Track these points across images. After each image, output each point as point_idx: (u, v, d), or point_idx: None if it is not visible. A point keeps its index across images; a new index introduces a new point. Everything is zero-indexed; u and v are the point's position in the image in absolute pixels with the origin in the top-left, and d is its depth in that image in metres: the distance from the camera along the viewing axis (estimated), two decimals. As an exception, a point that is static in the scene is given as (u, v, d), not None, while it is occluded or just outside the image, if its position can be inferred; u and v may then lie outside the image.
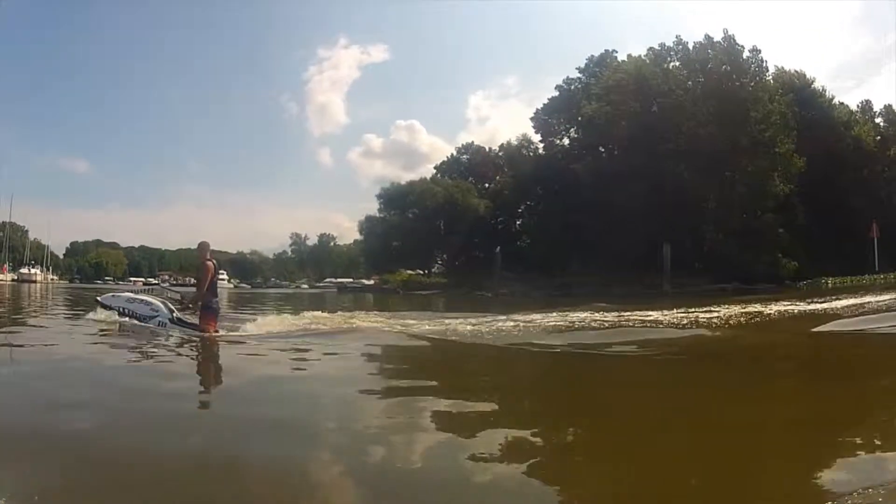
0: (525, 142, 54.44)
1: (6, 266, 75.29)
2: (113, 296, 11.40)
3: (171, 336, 9.55)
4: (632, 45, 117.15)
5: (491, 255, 54.73)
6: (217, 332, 9.73)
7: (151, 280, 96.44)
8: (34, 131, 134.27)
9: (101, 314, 10.89)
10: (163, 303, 10.49)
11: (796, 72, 47.64)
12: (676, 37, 45.04)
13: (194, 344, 8.92)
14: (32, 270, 75.32)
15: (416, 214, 59.79)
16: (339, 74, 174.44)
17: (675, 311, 14.52)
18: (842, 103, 48.65)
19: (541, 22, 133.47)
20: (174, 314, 10.28)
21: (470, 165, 65.24)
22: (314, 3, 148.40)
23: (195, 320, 10.25)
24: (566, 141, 54.62)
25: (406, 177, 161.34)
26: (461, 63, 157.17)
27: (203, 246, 10.10)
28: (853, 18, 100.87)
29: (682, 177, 38.11)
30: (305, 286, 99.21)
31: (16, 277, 70.09)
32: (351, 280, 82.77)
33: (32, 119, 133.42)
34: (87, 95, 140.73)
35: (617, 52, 52.66)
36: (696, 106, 41.52)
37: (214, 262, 10.02)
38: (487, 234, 57.21)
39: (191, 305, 10.24)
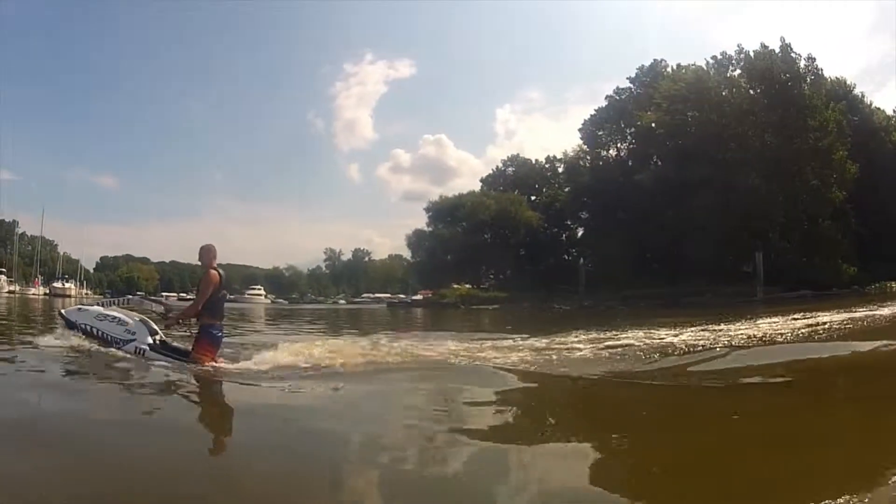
0: (581, 153, 55.14)
1: (38, 280, 77.57)
2: (79, 309, 8.75)
3: (150, 368, 7.19)
4: (657, 56, 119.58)
5: (541, 267, 55.86)
6: (215, 363, 7.44)
7: (170, 295, 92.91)
8: (63, 147, 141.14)
9: (55, 338, 8.58)
10: (142, 322, 8.06)
11: (837, 79, 48.04)
12: (738, 45, 45.92)
13: (181, 386, 6.41)
14: (67, 284, 76.35)
15: (467, 227, 60.69)
16: (365, 90, 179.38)
17: (806, 318, 13.59)
18: (879, 108, 48.99)
19: (563, 35, 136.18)
20: (157, 337, 7.99)
21: (515, 177, 66.42)
22: (340, 20, 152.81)
23: (177, 342, 8.26)
24: (614, 151, 55.53)
25: (435, 191, 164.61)
26: (486, 77, 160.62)
27: (207, 250, 7.73)
28: (870, 23, 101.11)
29: (752, 185, 38.99)
30: (343, 301, 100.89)
31: (48, 291, 71.32)
32: (402, 296, 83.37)
33: (61, 135, 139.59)
34: (116, 112, 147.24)
35: (666, 60, 53.64)
36: (759, 115, 42.56)
37: (222, 272, 7.74)
38: (539, 246, 58.08)
39: (181, 322, 7.81)
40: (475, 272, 63.22)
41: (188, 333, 7.89)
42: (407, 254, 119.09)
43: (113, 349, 7.83)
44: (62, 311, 9.00)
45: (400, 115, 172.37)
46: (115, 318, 8.07)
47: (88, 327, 8.16)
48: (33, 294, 67.50)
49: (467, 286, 57.49)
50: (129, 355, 7.67)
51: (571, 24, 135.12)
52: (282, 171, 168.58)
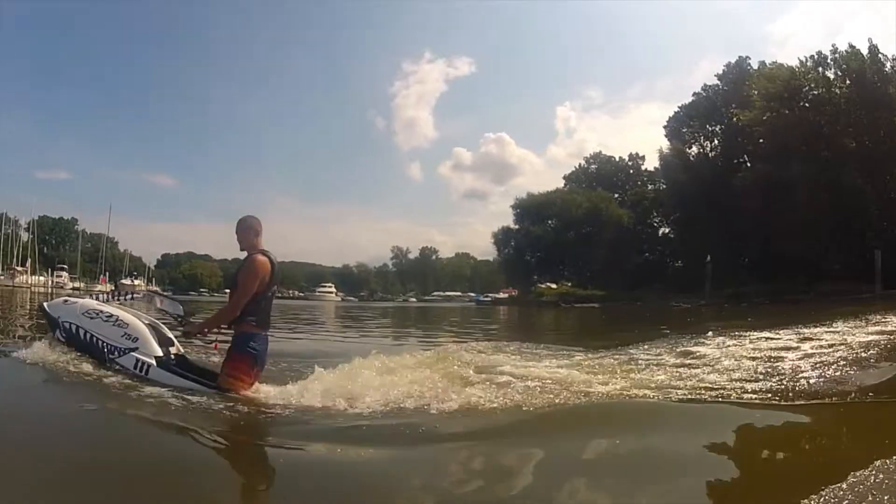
0: (677, 150, 56.23)
1: (104, 277, 77.33)
2: (65, 301, 6.46)
3: (147, 396, 4.91)
4: (713, 54, 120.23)
5: (629, 265, 57.81)
6: (251, 385, 5.26)
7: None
8: (121, 148, 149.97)
9: (39, 348, 6.06)
10: (151, 326, 5.88)
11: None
12: (832, 45, 47.00)
13: (190, 438, 4.06)
14: (136, 282, 77.33)
15: (556, 225, 62.86)
16: (425, 89, 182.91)
17: None
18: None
19: (621, 31, 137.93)
20: (170, 351, 5.85)
21: (598, 175, 68.31)
22: (396, 19, 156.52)
23: (202, 357, 6.46)
24: (696, 148, 56.88)
25: (497, 190, 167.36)
26: (545, 75, 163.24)
27: (247, 226, 5.41)
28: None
29: (854, 185, 39.98)
30: (413, 299, 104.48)
31: (115, 288, 73.36)
32: (490, 294, 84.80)
33: (120, 135, 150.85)
34: (176, 112, 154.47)
35: (749, 57, 54.90)
36: (854, 114, 43.41)
37: (273, 258, 5.38)
38: (628, 244, 59.83)
39: (205, 332, 5.61)
40: (560, 270, 65.05)
41: (210, 342, 5.79)
42: (473, 251, 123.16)
43: (103, 360, 5.63)
44: (45, 304, 6.57)
45: (460, 114, 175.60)
46: (110, 316, 5.77)
47: (73, 327, 5.88)
48: (99, 291, 70.40)
49: (567, 285, 59.04)
50: (123, 371, 5.45)
51: (628, 20, 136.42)
52: (343, 170, 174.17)
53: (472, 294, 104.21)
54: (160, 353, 5.61)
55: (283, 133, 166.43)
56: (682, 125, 57.70)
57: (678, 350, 8.17)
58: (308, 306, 41.04)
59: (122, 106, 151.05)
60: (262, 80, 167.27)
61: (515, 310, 46.48)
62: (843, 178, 39.45)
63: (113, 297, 6.69)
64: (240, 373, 5.19)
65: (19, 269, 68.54)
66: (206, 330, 5.60)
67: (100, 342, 5.69)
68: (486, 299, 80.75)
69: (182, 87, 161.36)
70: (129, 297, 6.94)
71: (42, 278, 68.81)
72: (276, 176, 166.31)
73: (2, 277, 64.00)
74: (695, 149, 57.20)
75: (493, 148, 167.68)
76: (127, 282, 73.57)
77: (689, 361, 7.16)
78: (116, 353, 5.59)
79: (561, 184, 70.45)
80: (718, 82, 56.12)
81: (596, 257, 59.49)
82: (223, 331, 5.61)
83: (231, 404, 4.82)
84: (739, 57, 55.56)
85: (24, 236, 78.24)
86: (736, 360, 7.08)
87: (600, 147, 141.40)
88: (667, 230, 63.83)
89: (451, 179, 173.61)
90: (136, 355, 5.51)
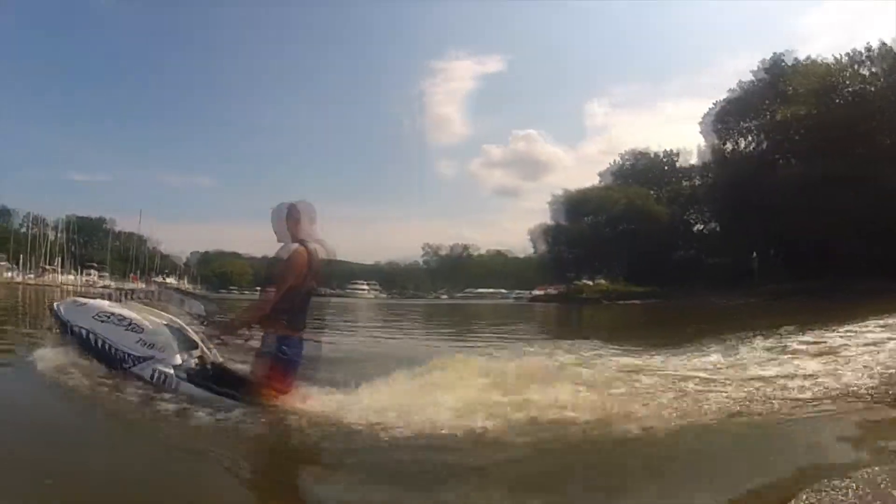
0: (717, 146, 56.51)
1: (136, 275, 77.34)
2: (75, 302, 5.85)
3: (170, 409, 4.42)
4: (742, 50, 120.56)
5: (667, 261, 58.50)
6: (283, 395, 4.58)
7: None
8: (152, 149, 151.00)
9: (53, 353, 5.58)
10: (171, 329, 5.21)
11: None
12: (867, 43, 47.55)
13: (220, 459, 3.64)
14: (168, 280, 78.24)
15: (593, 222, 63.78)
16: (454, 86, 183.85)
17: None
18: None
19: (651, 29, 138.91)
20: (193, 357, 5.18)
21: (634, 171, 69.03)
22: (425, 17, 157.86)
23: (232, 366, 5.42)
24: (730, 145, 57.55)
25: (527, 186, 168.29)
26: (575, 71, 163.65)
27: (280, 213, 4.81)
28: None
29: (891, 182, 40.39)
30: (445, 297, 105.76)
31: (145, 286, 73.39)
32: (526, 291, 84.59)
33: (154, 137, 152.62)
34: (208, 114, 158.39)
35: (783, 54, 55.09)
36: (888, 111, 43.85)
37: (314, 247, 4.80)
38: (665, 240, 60.56)
39: (235, 330, 5.06)
40: (597, 267, 65.90)
41: (243, 340, 5.09)
42: (504, 248, 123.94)
43: (117, 369, 5.05)
44: (56, 304, 5.91)
45: (489, 111, 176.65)
46: (123, 319, 5.16)
47: (83, 332, 5.28)
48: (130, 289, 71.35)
49: (606, 282, 59.34)
50: (140, 382, 4.87)
51: (656, 16, 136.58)
52: (374, 168, 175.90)
53: (504, 291, 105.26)
54: (180, 361, 4.99)
55: (315, 133, 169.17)
56: (717, 121, 58.26)
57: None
58: (340, 303, 41.43)
59: (154, 107, 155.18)
60: (294, 82, 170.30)
61: (556, 308, 45.17)
62: (878, 175, 39.88)
63: (124, 297, 6.21)
64: (269, 381, 4.53)
65: (48, 267, 70.12)
66: (235, 328, 5.01)
67: (112, 349, 5.07)
68: (519, 297, 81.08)
69: (214, 87, 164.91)
70: (132, 295, 6.31)
71: (71, 276, 69.91)
72: (308, 176, 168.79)
73: (32, 276, 65.50)
74: (728, 145, 58.09)
75: (523, 145, 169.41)
76: (159, 280, 74.19)
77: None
78: (131, 361, 4.99)
79: (594, 180, 71.49)
80: (754, 78, 56.38)
81: (633, 254, 60.32)
82: (256, 330, 4.85)
83: (256, 419, 4.17)
84: (774, 53, 56.19)
85: (52, 235, 79.17)
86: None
87: (632, 143, 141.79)
88: (701, 227, 64.70)
89: (482, 176, 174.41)
90: (155, 364, 4.91)
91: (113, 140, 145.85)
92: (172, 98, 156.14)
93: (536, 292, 73.17)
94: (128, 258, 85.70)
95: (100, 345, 5.15)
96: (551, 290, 67.22)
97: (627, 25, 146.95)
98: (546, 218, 69.55)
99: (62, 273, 69.85)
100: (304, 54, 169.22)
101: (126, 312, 5.22)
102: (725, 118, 57.60)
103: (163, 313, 5.42)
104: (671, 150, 68.44)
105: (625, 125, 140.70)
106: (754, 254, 43.08)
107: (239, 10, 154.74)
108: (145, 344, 4.98)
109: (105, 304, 5.45)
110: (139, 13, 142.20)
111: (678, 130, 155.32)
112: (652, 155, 69.49)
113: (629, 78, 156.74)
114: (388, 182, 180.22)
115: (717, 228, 57.26)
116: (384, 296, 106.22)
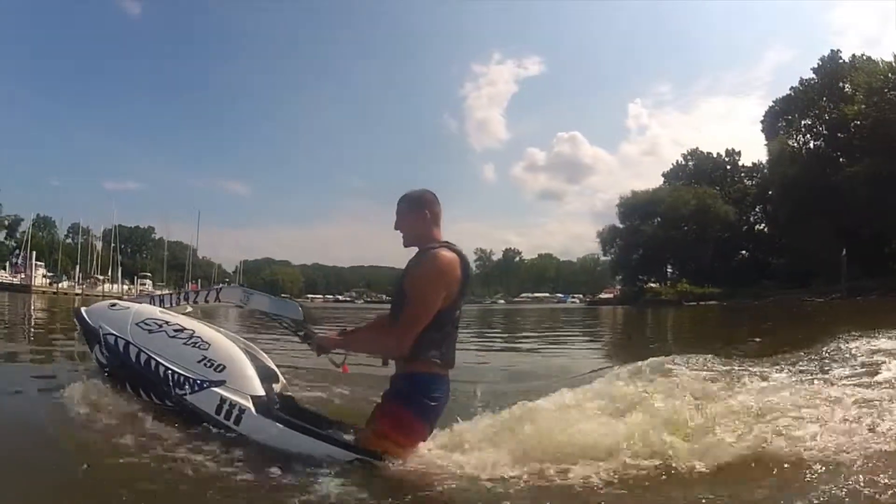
0: (787, 146, 56.85)
1: (195, 283, 74.74)
2: (112, 306, 4.03)
3: (255, 466, 2.95)
4: (778, 45, 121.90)
5: (734, 261, 60.29)
6: (412, 451, 3.08)
7: (316, 297, 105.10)
8: (195, 157, 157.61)
9: (77, 388, 3.91)
10: (246, 352, 3.74)
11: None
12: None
13: None
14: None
15: (663, 223, 65.15)
16: (496, 90, 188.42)
17: None
18: None
19: (686, 26, 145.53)
20: (276, 386, 3.84)
21: (695, 171, 70.65)
22: (464, 21, 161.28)
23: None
24: (792, 142, 58.42)
25: (571, 189, 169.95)
26: (614, 72, 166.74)
27: (414, 203, 3.31)
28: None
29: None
30: (502, 301, 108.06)
31: None
32: (586, 295, 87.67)
33: (193, 145, 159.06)
34: (244, 120, 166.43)
35: (839, 51, 56.63)
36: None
37: (464, 255, 3.26)
38: (733, 240, 62.62)
39: (339, 349, 3.53)
40: (664, 269, 67.76)
41: (341, 368, 3.56)
42: (549, 251, 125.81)
43: (162, 396, 3.54)
44: (82, 309, 4.18)
45: (532, 114, 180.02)
46: (181, 329, 3.67)
47: (119, 343, 3.71)
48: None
49: (687, 284, 59.58)
50: (195, 416, 3.41)
51: (691, 14, 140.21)
52: (417, 172, 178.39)
53: (561, 295, 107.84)
54: (261, 392, 3.43)
55: (358, 138, 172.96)
56: (777, 120, 59.51)
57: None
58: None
59: (198, 116, 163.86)
60: (336, 88, 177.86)
61: (635, 311, 42.62)
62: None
63: (175, 301, 4.20)
64: (403, 433, 3.11)
65: (100, 277, 69.88)
66: (342, 348, 3.50)
67: (161, 368, 3.51)
68: (574, 300, 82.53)
69: (257, 96, 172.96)
70: (184, 294, 4.38)
71: (125, 286, 67.65)
72: (350, 177, 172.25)
73: (83, 287, 62.28)
74: (792, 143, 58.50)
75: (567, 147, 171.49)
76: (217, 287, 76.90)
77: None
78: (188, 386, 3.43)
79: (637, 181, 73.47)
80: (814, 76, 57.33)
81: (703, 255, 61.34)
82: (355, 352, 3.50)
83: (388, 485, 2.80)
84: (832, 50, 57.60)
85: (99, 245, 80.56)
86: None
87: (674, 144, 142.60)
88: (762, 226, 66.14)
89: (525, 180, 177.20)
90: (223, 392, 3.37)
91: (151, 148, 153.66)
92: (214, 106, 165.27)
93: (604, 295, 75.16)
94: (174, 267, 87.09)
95: (143, 361, 3.57)
96: (618, 293, 69.36)
97: (665, 24, 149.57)
98: (590, 221, 71.44)
99: (113, 283, 69.14)
100: (345, 61, 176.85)
101: (185, 321, 3.74)
102: (785, 116, 58.97)
103: (230, 333, 3.94)
104: (732, 149, 70.37)
105: (666, 125, 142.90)
106: (844, 251, 44.48)
107: (277, 17, 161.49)
108: (212, 364, 3.46)
109: (155, 309, 3.91)
110: (169, 21, 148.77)
111: (723, 129, 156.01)
112: (715, 155, 71.33)
113: (668, 77, 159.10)
114: (432, 186, 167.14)
115: (783, 227, 57.12)
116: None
